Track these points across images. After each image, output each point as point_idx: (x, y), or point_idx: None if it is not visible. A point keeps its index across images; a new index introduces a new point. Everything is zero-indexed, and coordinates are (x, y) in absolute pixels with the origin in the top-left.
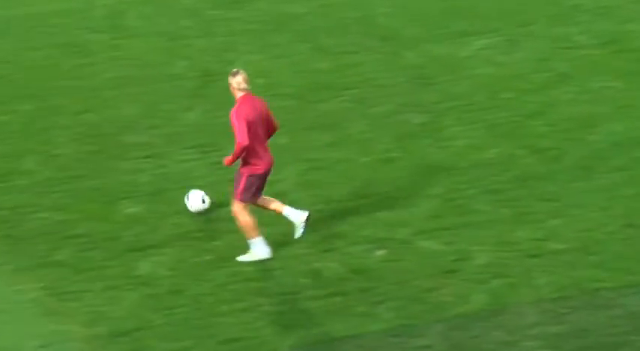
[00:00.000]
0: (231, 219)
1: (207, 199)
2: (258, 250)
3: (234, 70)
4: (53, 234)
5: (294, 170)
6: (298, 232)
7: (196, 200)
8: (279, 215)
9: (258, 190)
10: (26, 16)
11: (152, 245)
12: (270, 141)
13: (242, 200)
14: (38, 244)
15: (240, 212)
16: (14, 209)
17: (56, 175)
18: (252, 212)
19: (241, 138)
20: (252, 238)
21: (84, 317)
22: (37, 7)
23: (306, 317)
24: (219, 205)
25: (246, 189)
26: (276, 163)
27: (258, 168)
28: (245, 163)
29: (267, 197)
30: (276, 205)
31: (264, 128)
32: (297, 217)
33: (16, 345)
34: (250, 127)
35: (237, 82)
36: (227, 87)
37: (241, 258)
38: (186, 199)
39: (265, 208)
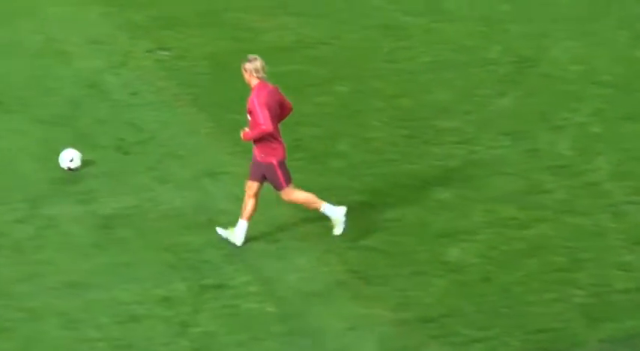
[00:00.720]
0: (548, 206)
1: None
2: (335, 210)
3: (252, 56)
4: (364, 218)
5: (607, 160)
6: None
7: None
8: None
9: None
10: None
11: (462, 231)
12: (581, 129)
13: (287, 185)
14: (350, 227)
15: (293, 195)
16: (329, 190)
17: (369, 158)
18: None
19: (266, 124)
20: (321, 205)
21: (392, 302)
22: None
23: (616, 311)
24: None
25: (284, 175)
26: (588, 151)
27: (280, 152)
28: (267, 150)
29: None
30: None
31: (278, 114)
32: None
33: (324, 326)
34: (270, 112)
35: (256, 68)
36: (542, 74)
37: (337, 231)
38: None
39: (249, 201)
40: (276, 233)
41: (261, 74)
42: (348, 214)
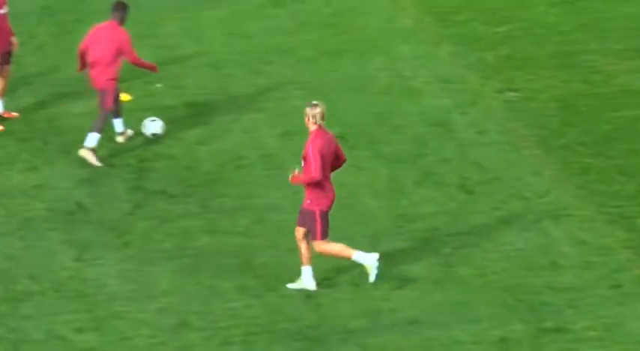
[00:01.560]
0: None
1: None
2: (367, 258)
3: (314, 102)
4: None
5: None
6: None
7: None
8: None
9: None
10: None
11: None
12: None
13: (322, 238)
14: None
15: (326, 247)
16: None
17: None
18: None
19: (315, 172)
20: (353, 254)
21: None
22: None
23: None
24: None
25: (323, 228)
26: None
27: (325, 202)
28: (313, 197)
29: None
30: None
31: (331, 164)
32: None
33: None
34: (323, 161)
35: (314, 115)
36: None
37: (371, 278)
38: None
39: (301, 245)
40: (617, 278)
41: (320, 121)
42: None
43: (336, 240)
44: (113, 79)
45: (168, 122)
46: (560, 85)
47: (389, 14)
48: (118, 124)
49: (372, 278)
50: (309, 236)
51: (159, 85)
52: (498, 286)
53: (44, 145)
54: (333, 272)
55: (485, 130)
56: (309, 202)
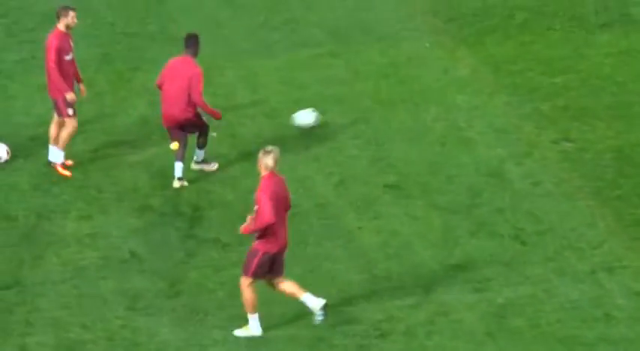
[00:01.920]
0: None
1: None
2: (253, 327)
3: (268, 148)
4: None
5: None
6: (317, 319)
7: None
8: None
9: (271, 270)
10: None
11: None
12: None
13: (252, 277)
14: None
15: (247, 288)
16: None
17: None
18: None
19: (269, 216)
20: (250, 314)
21: None
22: None
23: None
24: None
25: (258, 267)
26: None
27: (273, 247)
28: (261, 239)
29: (286, 281)
30: (292, 289)
31: (284, 208)
32: (314, 303)
33: None
34: (274, 205)
35: (267, 162)
36: None
37: (237, 332)
38: None
39: (278, 289)
40: None
41: (272, 166)
42: None
43: (387, 290)
44: (191, 113)
45: (223, 170)
46: (615, 135)
47: (445, 64)
48: (178, 167)
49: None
50: (242, 269)
51: (214, 134)
52: (552, 337)
53: (99, 193)
54: (385, 322)
55: (540, 181)
56: (256, 242)
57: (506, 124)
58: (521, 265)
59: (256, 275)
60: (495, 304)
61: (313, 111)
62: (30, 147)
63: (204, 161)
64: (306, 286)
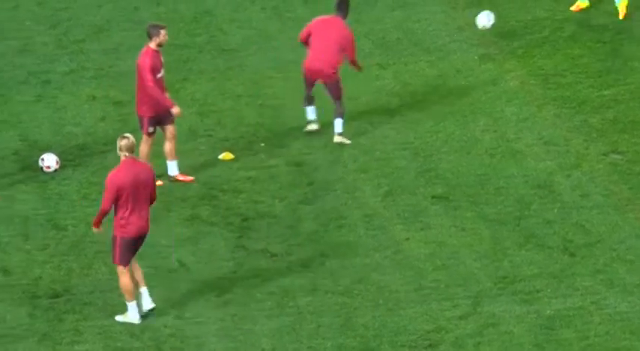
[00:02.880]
0: None
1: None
2: (130, 314)
3: (125, 134)
4: None
5: None
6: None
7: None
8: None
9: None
10: None
11: None
12: None
13: (120, 264)
14: None
15: (121, 275)
16: None
17: None
18: None
19: (103, 203)
20: (128, 301)
21: None
22: None
23: None
24: None
25: (121, 253)
26: None
27: (128, 231)
28: (117, 225)
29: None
30: (138, 276)
31: (143, 194)
32: (146, 302)
33: None
34: (122, 192)
35: (120, 147)
36: None
37: (117, 317)
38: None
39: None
40: None
41: (123, 152)
42: None
43: (436, 301)
44: (336, 73)
45: (270, 181)
46: None
47: (494, 76)
48: (311, 112)
49: (119, 318)
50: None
51: (262, 145)
52: (601, 349)
53: None
54: (434, 333)
55: (589, 193)
56: (114, 227)
57: (555, 136)
58: (570, 277)
59: (123, 261)
60: (544, 316)
61: (490, 13)
62: (79, 157)
63: (343, 134)
64: (354, 297)
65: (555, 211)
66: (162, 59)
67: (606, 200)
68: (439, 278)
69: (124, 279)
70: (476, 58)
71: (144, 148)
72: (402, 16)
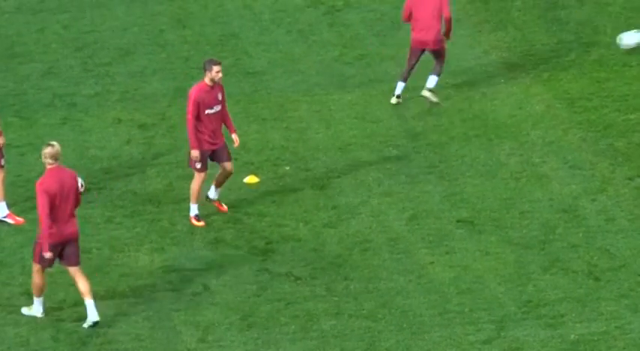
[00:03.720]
0: None
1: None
2: (35, 308)
3: (51, 142)
4: None
5: None
6: (84, 324)
7: None
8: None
9: (62, 258)
10: None
11: None
12: None
13: (38, 263)
14: None
15: (35, 273)
16: None
17: None
18: None
19: (42, 210)
20: (35, 296)
21: None
22: None
23: None
24: None
25: (40, 256)
26: None
27: (51, 236)
28: (41, 230)
29: (82, 278)
30: (83, 288)
31: (69, 201)
32: (92, 314)
33: None
34: (51, 199)
35: (44, 154)
36: None
37: (23, 310)
38: None
39: (74, 281)
40: None
41: (48, 161)
42: None
43: (460, 325)
44: (442, 39)
45: (295, 205)
46: None
47: (519, 100)
48: (401, 88)
49: (24, 311)
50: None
51: (287, 168)
52: None
53: (172, 226)
54: None
55: (614, 217)
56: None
57: (581, 160)
58: (595, 301)
59: (42, 262)
60: (568, 341)
61: (637, 31)
62: (104, 180)
63: (433, 91)
64: (378, 321)
65: (580, 235)
66: (218, 95)
67: (631, 224)
68: (463, 302)
69: (37, 277)
70: (502, 81)
71: (193, 184)
72: None
